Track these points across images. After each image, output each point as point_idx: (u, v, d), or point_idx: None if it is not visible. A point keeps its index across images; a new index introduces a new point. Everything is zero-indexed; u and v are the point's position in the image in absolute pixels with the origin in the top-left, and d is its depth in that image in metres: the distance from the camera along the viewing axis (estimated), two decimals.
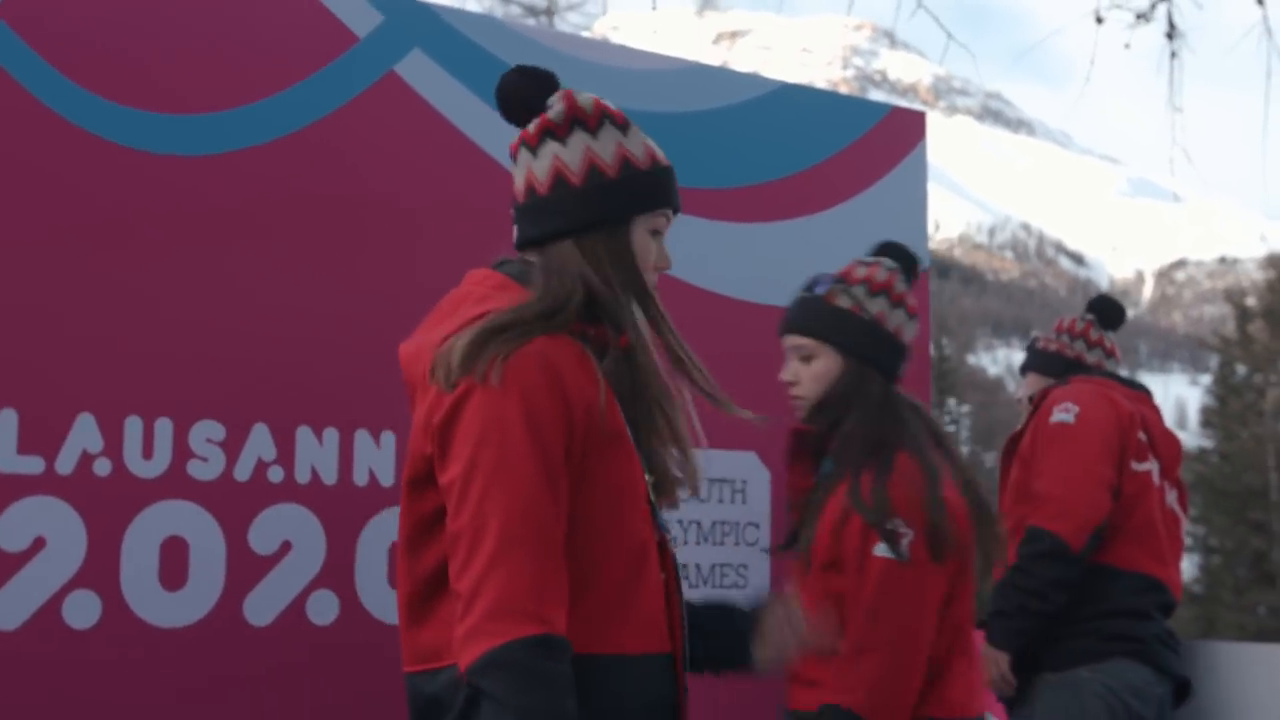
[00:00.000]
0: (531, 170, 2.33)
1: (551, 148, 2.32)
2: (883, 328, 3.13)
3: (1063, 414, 4.09)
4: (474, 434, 2.09)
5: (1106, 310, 4.52)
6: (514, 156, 2.39)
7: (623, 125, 2.36)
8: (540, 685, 1.98)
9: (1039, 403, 4.26)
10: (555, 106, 2.34)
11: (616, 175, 2.32)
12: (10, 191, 3.01)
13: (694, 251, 3.92)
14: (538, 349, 2.15)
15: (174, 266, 3.17)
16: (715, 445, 3.82)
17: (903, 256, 3.29)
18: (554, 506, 2.09)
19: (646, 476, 2.27)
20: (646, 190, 2.34)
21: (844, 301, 3.14)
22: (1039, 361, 4.50)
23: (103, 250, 3.10)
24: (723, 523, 3.84)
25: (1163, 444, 4.22)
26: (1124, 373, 4.50)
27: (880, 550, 2.91)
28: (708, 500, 3.81)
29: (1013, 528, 4.07)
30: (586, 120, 2.33)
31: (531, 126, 2.34)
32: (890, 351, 3.14)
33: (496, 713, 1.97)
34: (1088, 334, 4.46)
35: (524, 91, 2.36)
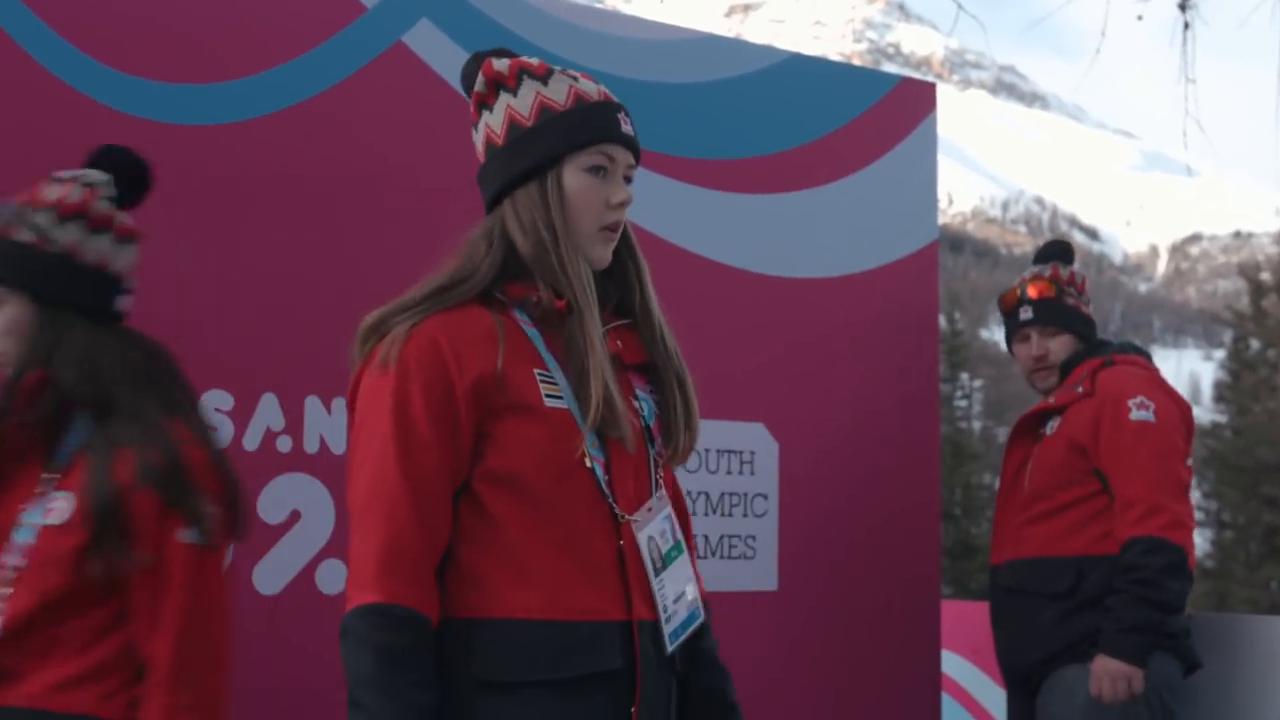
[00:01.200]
0: (475, 142, 2.33)
1: (484, 117, 2.30)
2: (77, 260, 2.53)
3: (1143, 412, 3.91)
4: (358, 411, 2.18)
5: (1063, 250, 4.33)
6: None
7: (543, 75, 2.29)
8: (366, 655, 2.01)
9: (1089, 386, 4.02)
10: (478, 78, 2.31)
11: (535, 123, 2.25)
12: (16, 159, 3.02)
13: (704, 223, 3.92)
14: (426, 329, 2.14)
15: (183, 236, 3.17)
16: (723, 416, 3.85)
17: (125, 163, 2.69)
18: (422, 478, 2.09)
19: (587, 442, 2.18)
20: (565, 130, 2.24)
21: (26, 234, 2.52)
22: (1077, 323, 4.18)
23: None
24: (731, 494, 3.84)
25: (1192, 426, 4.14)
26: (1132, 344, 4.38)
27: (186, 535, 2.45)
28: (716, 471, 3.82)
29: (1049, 510, 3.94)
30: (505, 81, 2.28)
31: (472, 104, 2.33)
32: (95, 287, 2.56)
33: (346, 677, 2.05)
34: (1080, 283, 4.25)
35: (470, 73, 2.34)
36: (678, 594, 2.23)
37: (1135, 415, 3.87)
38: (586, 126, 2.25)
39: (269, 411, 3.22)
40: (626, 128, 2.28)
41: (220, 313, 3.19)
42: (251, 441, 3.19)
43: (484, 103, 2.30)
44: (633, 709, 2.14)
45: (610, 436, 2.19)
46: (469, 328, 2.16)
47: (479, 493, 2.14)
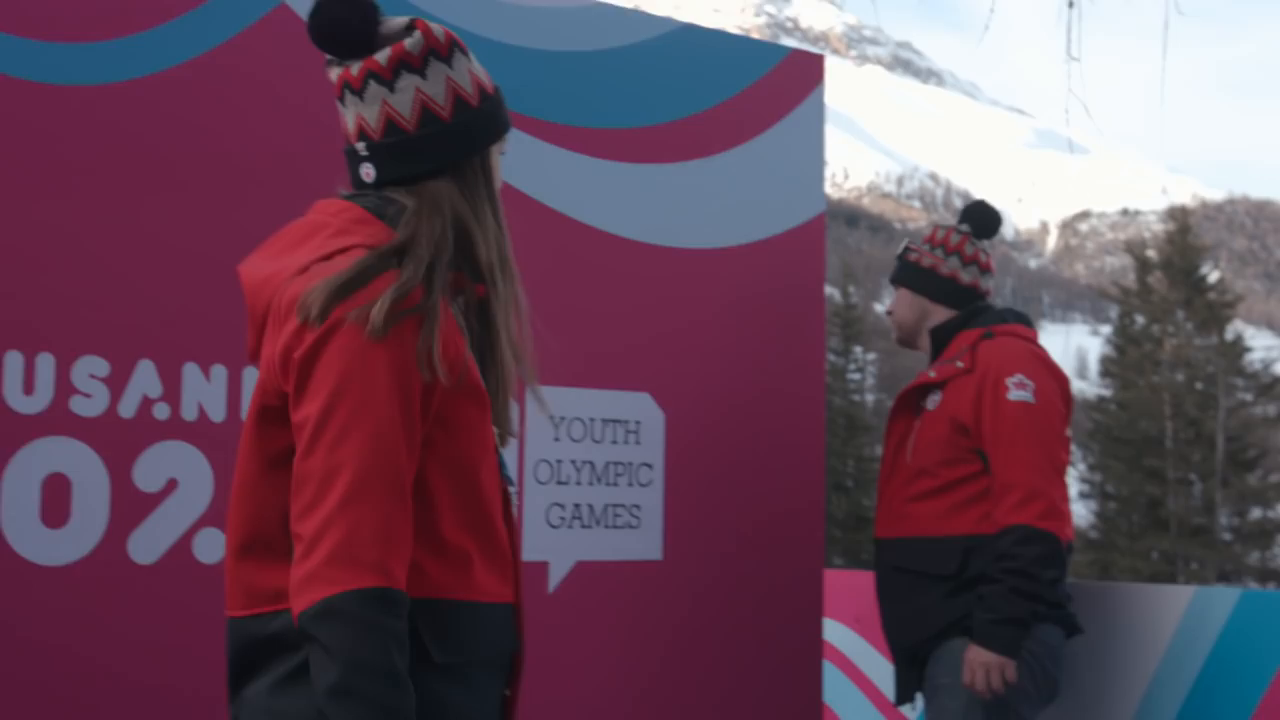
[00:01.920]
0: (389, 105, 2.22)
1: (411, 81, 2.22)
2: None
3: (1021, 392, 3.91)
4: (336, 372, 2.02)
5: (981, 218, 4.30)
6: (353, 90, 2.25)
7: (466, 51, 2.29)
8: (372, 639, 1.93)
9: (970, 362, 4.05)
10: (412, 36, 2.23)
11: (478, 104, 2.26)
12: None
13: (591, 192, 3.90)
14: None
15: (53, 199, 3.11)
16: (609, 386, 3.85)
17: None
18: (408, 456, 2.04)
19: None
20: (498, 114, 2.29)
21: None
22: (925, 283, 4.23)
23: None
24: (616, 463, 3.84)
25: (1070, 399, 4.18)
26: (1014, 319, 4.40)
27: None
28: (601, 441, 3.82)
29: (935, 488, 3.99)
30: (440, 49, 2.24)
31: (381, 58, 2.22)
32: None
33: (323, 661, 1.92)
34: (963, 248, 4.23)
35: (348, 22, 2.23)
36: None
37: (1014, 395, 3.88)
38: (506, 113, 2.31)
39: (145, 378, 3.16)
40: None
41: (94, 277, 3.13)
42: (127, 409, 3.13)
43: (410, 64, 2.22)
44: (508, 690, 2.19)
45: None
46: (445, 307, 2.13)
47: (425, 476, 2.10)
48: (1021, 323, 4.21)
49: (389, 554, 1.98)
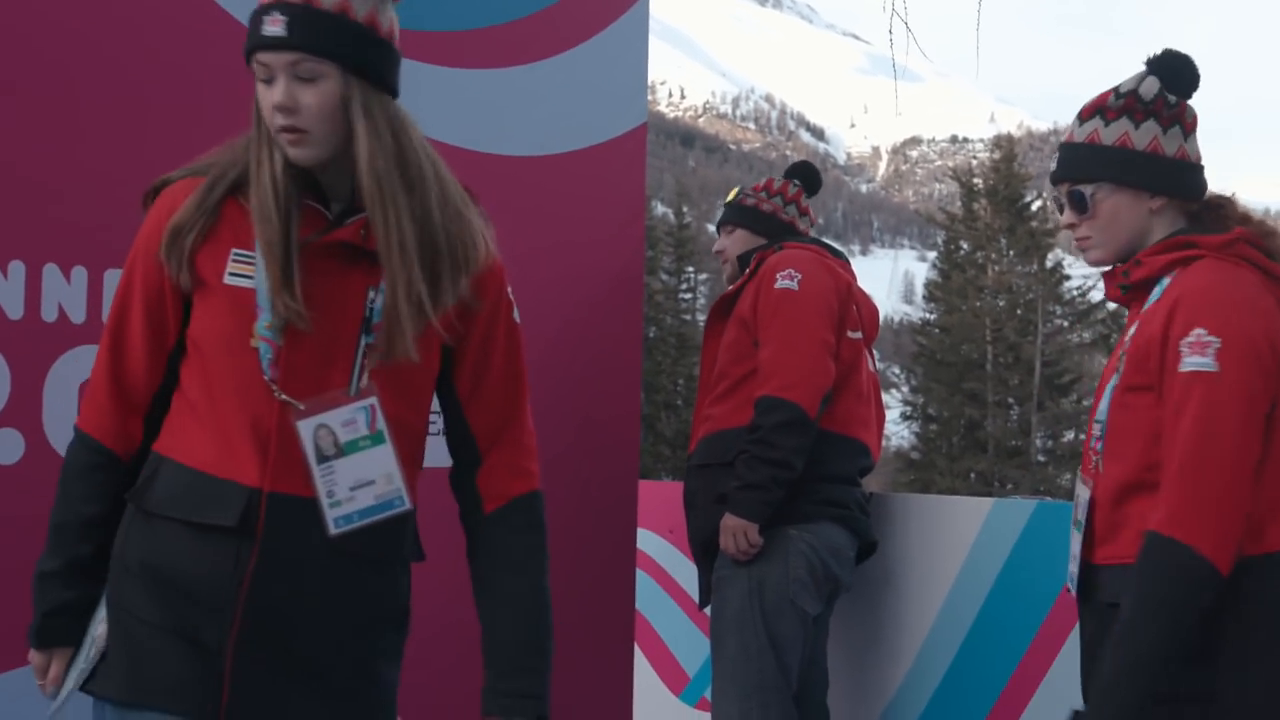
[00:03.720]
0: None
1: None
2: None
3: (786, 280, 4.12)
4: None
5: (810, 176, 4.59)
6: None
7: None
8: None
9: (755, 267, 4.30)
10: None
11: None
12: None
13: (410, 96, 3.84)
14: (168, 191, 2.39)
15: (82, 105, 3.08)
16: None
17: None
18: (112, 335, 2.40)
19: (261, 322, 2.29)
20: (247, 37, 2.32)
21: None
22: (750, 219, 4.51)
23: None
24: None
25: (866, 312, 4.35)
26: (831, 242, 4.62)
27: None
28: None
29: (728, 387, 4.15)
30: None
31: None
32: None
33: None
34: (799, 200, 4.51)
35: None
36: (358, 482, 2.30)
37: (779, 284, 4.14)
38: (248, 39, 2.30)
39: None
40: (269, 29, 2.24)
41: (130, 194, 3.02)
42: None
43: None
44: (246, 565, 2.27)
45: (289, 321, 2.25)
46: (184, 196, 2.32)
47: (179, 353, 2.35)
48: (824, 248, 4.36)
49: (88, 405, 2.43)
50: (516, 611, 2.44)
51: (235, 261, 2.29)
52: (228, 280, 2.28)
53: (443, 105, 3.91)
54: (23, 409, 3.12)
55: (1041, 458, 38.49)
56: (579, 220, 4.19)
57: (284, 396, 2.27)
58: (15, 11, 3.19)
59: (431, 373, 2.43)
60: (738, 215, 4.53)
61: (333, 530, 2.29)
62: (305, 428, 2.27)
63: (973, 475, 37.61)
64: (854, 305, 4.24)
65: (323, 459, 2.28)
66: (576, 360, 4.16)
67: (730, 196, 4.63)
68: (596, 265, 4.23)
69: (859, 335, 4.25)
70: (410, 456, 2.41)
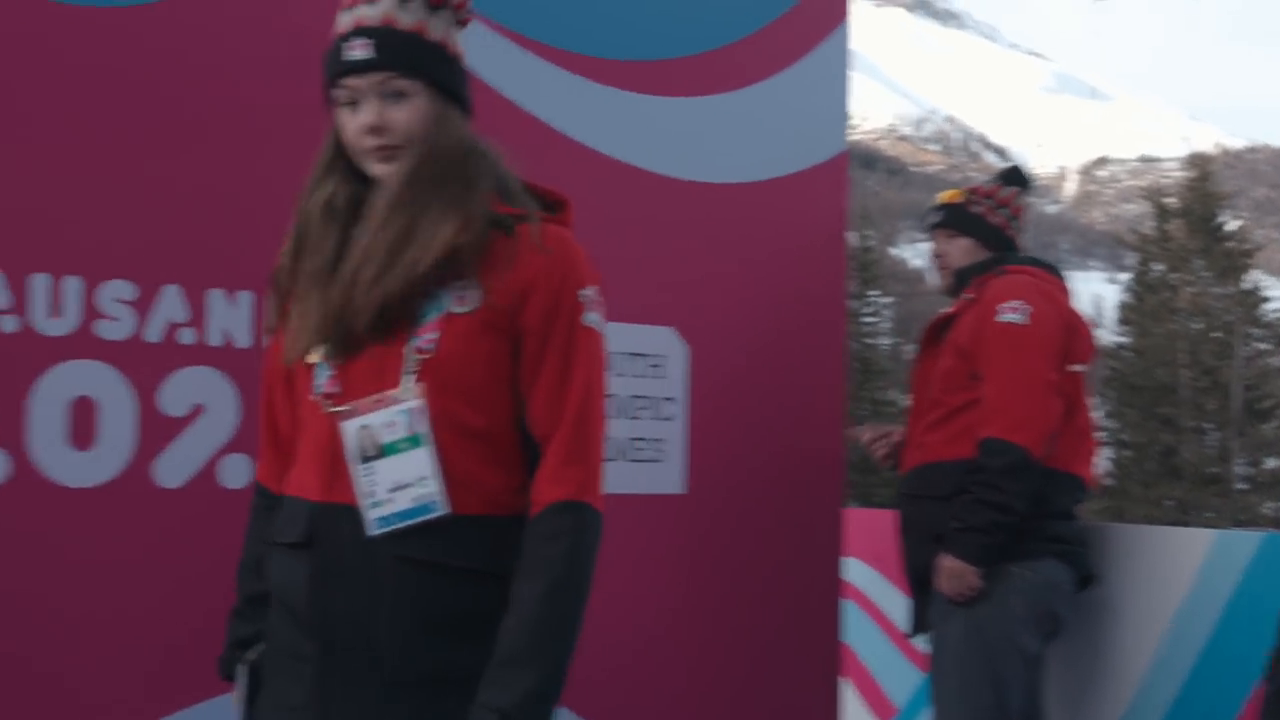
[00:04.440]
0: None
1: None
2: None
3: (1012, 314, 3.97)
4: None
5: (1025, 181, 4.48)
6: None
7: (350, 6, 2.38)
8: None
9: (978, 293, 4.14)
10: None
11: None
12: None
13: (617, 124, 3.88)
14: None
15: (81, 122, 3.10)
16: (632, 320, 3.84)
17: None
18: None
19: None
20: (324, 72, 2.39)
21: None
22: (977, 229, 4.32)
23: (11, 104, 3.02)
24: (639, 397, 3.84)
25: (1085, 340, 4.22)
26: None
27: None
28: (625, 375, 3.82)
29: (943, 416, 4.07)
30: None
31: None
32: None
33: None
34: (1021, 213, 4.38)
35: None
36: (396, 484, 2.29)
37: (1003, 318, 4.01)
38: (327, 66, 2.36)
39: (171, 303, 3.16)
40: (355, 54, 2.31)
41: (122, 200, 3.12)
42: (154, 333, 3.14)
43: None
44: (310, 578, 2.32)
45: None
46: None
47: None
48: (1045, 268, 4.25)
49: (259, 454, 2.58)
50: (514, 621, 2.26)
51: None
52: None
53: (645, 133, 3.94)
54: (251, 435, 3.20)
55: (1242, 485, 37.28)
56: (780, 248, 4.18)
57: (332, 408, 2.33)
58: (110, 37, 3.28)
59: (497, 371, 2.36)
60: (963, 222, 4.35)
61: (372, 532, 2.29)
62: (348, 429, 2.32)
63: (1169, 503, 36.59)
64: (1076, 335, 4.12)
65: (364, 460, 2.30)
66: (779, 388, 4.14)
67: (949, 197, 4.44)
68: (798, 293, 4.21)
69: (1081, 368, 4.12)
70: (477, 458, 2.34)
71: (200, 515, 3.16)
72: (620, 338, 3.78)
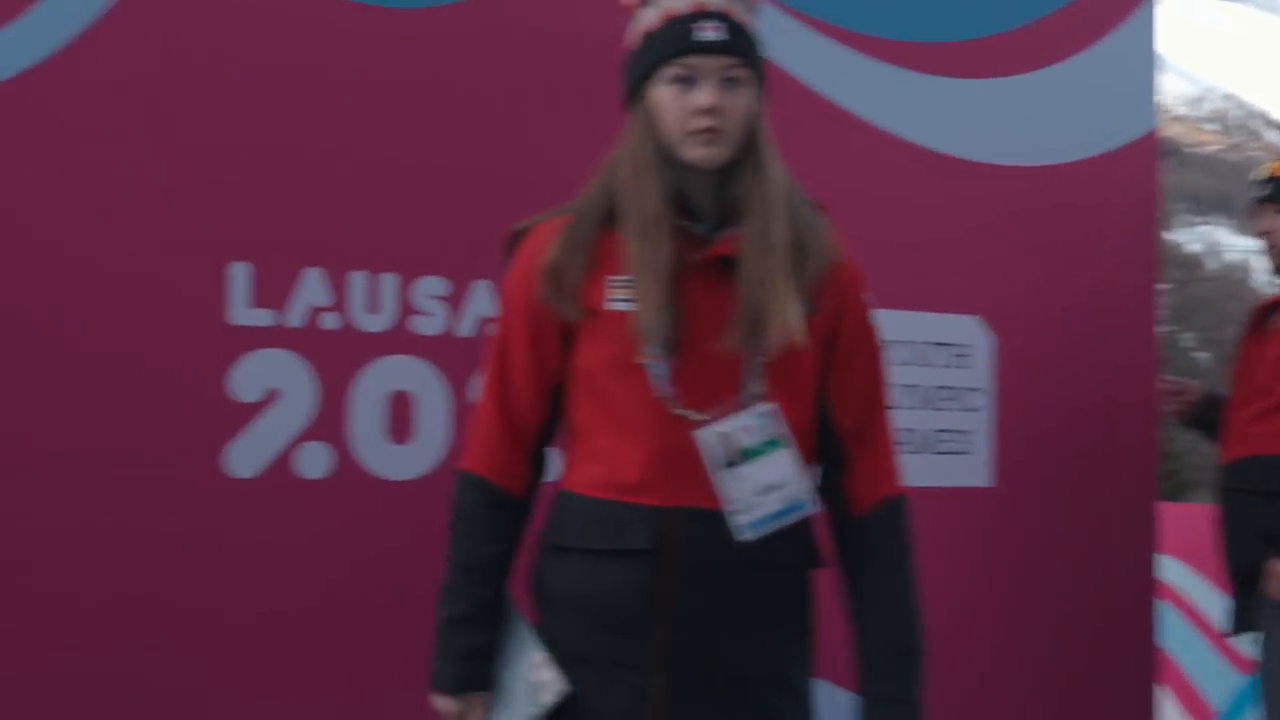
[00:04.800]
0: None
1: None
2: None
3: None
4: None
5: None
6: None
7: None
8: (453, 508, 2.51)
9: None
10: None
11: (637, 46, 2.40)
12: (240, 47, 3.02)
13: (915, 109, 3.79)
14: (534, 235, 2.48)
15: (400, 123, 3.16)
16: (936, 308, 3.75)
17: None
18: (497, 377, 2.45)
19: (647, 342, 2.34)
20: (646, 51, 2.38)
21: None
22: None
23: (329, 106, 3.10)
24: (944, 388, 3.75)
25: None
26: None
27: None
28: (929, 365, 3.73)
29: (1272, 406, 3.85)
30: None
31: None
32: None
33: None
34: None
35: None
36: (763, 487, 2.33)
37: None
38: (662, 43, 2.36)
39: (482, 298, 3.20)
40: (707, 34, 2.33)
41: (436, 198, 3.17)
42: (465, 328, 3.18)
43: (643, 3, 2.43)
44: (663, 585, 2.30)
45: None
46: (548, 237, 2.42)
47: (566, 387, 2.42)
48: None
49: (475, 447, 2.48)
50: (887, 615, 2.44)
51: (613, 287, 2.37)
52: (611, 306, 2.36)
53: (946, 117, 3.84)
54: None
55: None
56: (1089, 232, 4.03)
57: (681, 411, 2.31)
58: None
59: (813, 373, 2.43)
60: None
61: (743, 537, 2.32)
62: (707, 437, 2.32)
63: None
64: None
65: (726, 467, 2.32)
66: (1089, 378, 4.00)
67: (1277, 169, 4.18)
68: (1107, 279, 4.05)
69: None
70: (806, 457, 2.43)
71: None
72: (924, 327, 3.71)
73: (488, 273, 3.19)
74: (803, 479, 2.38)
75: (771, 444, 2.34)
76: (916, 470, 3.64)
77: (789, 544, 2.38)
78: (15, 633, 2.77)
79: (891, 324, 3.62)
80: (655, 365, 2.32)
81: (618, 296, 2.36)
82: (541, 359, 2.41)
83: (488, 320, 3.18)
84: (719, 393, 2.33)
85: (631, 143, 2.40)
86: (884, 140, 3.73)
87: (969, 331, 3.80)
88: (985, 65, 3.92)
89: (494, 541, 2.41)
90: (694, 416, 2.32)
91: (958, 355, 3.78)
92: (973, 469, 3.78)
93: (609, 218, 2.39)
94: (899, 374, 3.66)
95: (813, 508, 2.40)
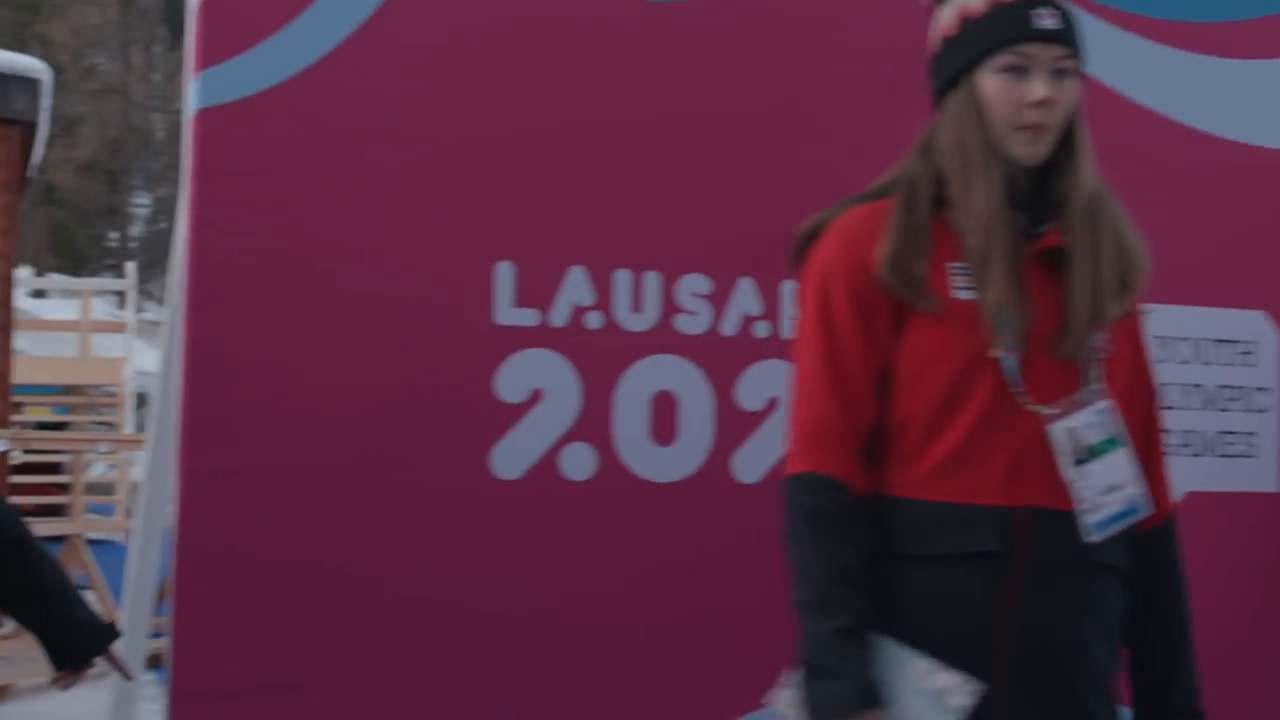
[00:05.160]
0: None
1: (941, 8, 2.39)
2: None
3: None
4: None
5: None
6: None
7: None
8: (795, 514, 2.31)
9: None
10: None
11: (956, 32, 2.33)
12: (506, 47, 3.01)
13: (1195, 91, 3.60)
14: (843, 223, 2.37)
15: (659, 119, 3.11)
16: (1218, 303, 3.55)
17: None
18: (828, 369, 2.29)
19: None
20: (976, 36, 2.30)
21: None
22: None
23: (593, 105, 3.07)
24: (1228, 387, 3.56)
25: None
26: None
27: None
28: (1211, 363, 3.54)
29: None
30: None
31: None
32: None
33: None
34: None
35: None
36: (1107, 486, 2.27)
37: None
38: (996, 28, 2.28)
39: (746, 296, 3.13)
40: (1045, 22, 2.25)
41: (698, 195, 3.12)
42: (729, 327, 3.12)
43: None
44: (1008, 588, 2.21)
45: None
46: (870, 223, 2.30)
47: (892, 379, 2.28)
48: None
49: (811, 445, 2.29)
50: (1183, 624, 2.42)
51: (956, 275, 2.27)
52: (957, 295, 2.26)
53: (1233, 101, 3.63)
54: None
55: None
56: None
57: (1034, 406, 2.23)
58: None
59: (1129, 372, 2.38)
60: None
61: (1091, 538, 2.25)
62: (1058, 433, 2.24)
63: None
64: None
65: (1076, 464, 2.25)
66: None
67: None
68: None
69: None
70: None
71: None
72: (1206, 323, 3.53)
73: (751, 270, 3.13)
74: (1139, 480, 2.31)
75: (1111, 442, 2.27)
76: (1199, 474, 3.49)
77: (1122, 548, 2.31)
78: (305, 633, 2.82)
79: (1171, 320, 3.48)
80: (1007, 359, 2.23)
81: (961, 285, 2.26)
82: (876, 350, 2.28)
83: (753, 319, 3.12)
84: (1061, 388, 2.25)
85: (957, 132, 2.30)
86: (1163, 126, 3.55)
87: (1255, 327, 3.60)
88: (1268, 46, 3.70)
89: (857, 544, 2.23)
90: (1044, 411, 2.24)
91: (1242, 353, 3.58)
92: (1259, 473, 3.58)
93: (937, 203, 2.30)
94: (1179, 373, 3.50)
95: (1146, 511, 2.33)
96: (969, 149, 2.27)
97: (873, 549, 2.24)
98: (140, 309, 19.61)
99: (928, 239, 2.27)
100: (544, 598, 2.97)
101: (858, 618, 2.19)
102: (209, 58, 2.87)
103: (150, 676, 3.45)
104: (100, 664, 2.99)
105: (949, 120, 2.32)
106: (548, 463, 2.97)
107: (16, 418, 12.36)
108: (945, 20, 2.35)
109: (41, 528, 8.59)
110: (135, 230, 43.00)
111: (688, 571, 3.06)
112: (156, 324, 27.77)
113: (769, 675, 2.73)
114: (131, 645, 3.15)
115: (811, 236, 2.40)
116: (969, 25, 2.30)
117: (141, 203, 43.54)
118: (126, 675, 2.86)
